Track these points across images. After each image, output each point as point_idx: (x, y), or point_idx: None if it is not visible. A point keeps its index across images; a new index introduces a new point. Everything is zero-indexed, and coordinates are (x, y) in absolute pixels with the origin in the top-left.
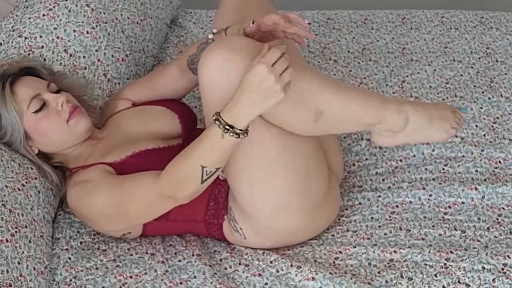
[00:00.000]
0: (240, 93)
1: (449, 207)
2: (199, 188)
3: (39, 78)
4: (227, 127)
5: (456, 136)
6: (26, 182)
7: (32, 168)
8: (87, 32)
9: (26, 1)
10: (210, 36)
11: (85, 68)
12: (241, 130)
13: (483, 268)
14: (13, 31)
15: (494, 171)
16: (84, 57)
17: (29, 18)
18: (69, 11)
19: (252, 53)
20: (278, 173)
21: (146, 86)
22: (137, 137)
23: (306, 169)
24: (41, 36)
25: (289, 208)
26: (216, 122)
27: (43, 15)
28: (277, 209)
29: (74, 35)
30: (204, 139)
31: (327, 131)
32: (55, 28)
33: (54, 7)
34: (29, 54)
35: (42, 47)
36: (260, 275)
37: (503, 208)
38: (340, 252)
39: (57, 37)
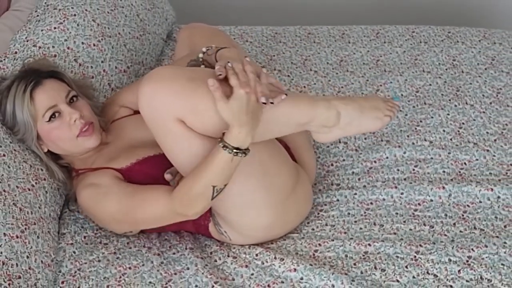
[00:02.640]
0: (238, 119)
1: (419, 204)
2: (208, 204)
3: (62, 83)
4: (235, 150)
5: (425, 140)
6: (36, 183)
7: (42, 169)
8: (94, 45)
9: (37, 16)
10: (200, 55)
11: (93, 77)
12: (246, 149)
13: (450, 260)
14: (27, 41)
15: (460, 172)
16: (91, 67)
17: (42, 30)
18: (78, 25)
19: (174, 79)
20: (234, 179)
21: None
22: (139, 143)
23: (261, 168)
24: (53, 46)
25: (257, 205)
26: (225, 148)
27: (54, 27)
28: (247, 208)
29: (83, 47)
30: (214, 163)
31: (264, 135)
32: (65, 40)
33: (64, 21)
34: None
35: (55, 55)
36: (247, 266)
37: (468, 206)
38: (319, 245)
39: (68, 48)
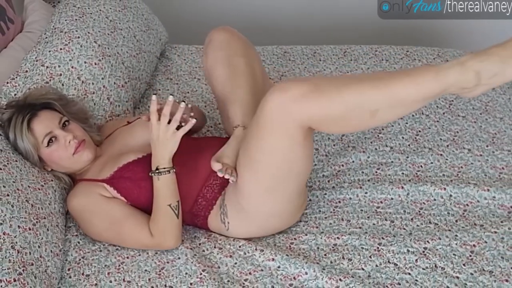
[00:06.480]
0: (153, 148)
1: (381, 202)
2: (179, 224)
3: (54, 111)
4: (156, 171)
5: (386, 146)
6: (45, 183)
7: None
8: (95, 64)
9: (46, 38)
10: (170, 98)
11: (93, 92)
12: (165, 168)
13: (408, 251)
14: (37, 61)
15: (416, 174)
16: (92, 83)
17: (49, 51)
18: (81, 46)
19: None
20: (283, 193)
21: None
22: (125, 150)
23: (298, 188)
24: (59, 66)
25: (275, 189)
26: (152, 173)
27: (60, 49)
28: (267, 191)
29: (85, 66)
30: (155, 188)
31: (388, 119)
32: (70, 60)
33: (69, 42)
34: (50, 80)
35: (60, 74)
36: (231, 256)
37: (423, 203)
38: (295, 238)
39: (72, 67)
